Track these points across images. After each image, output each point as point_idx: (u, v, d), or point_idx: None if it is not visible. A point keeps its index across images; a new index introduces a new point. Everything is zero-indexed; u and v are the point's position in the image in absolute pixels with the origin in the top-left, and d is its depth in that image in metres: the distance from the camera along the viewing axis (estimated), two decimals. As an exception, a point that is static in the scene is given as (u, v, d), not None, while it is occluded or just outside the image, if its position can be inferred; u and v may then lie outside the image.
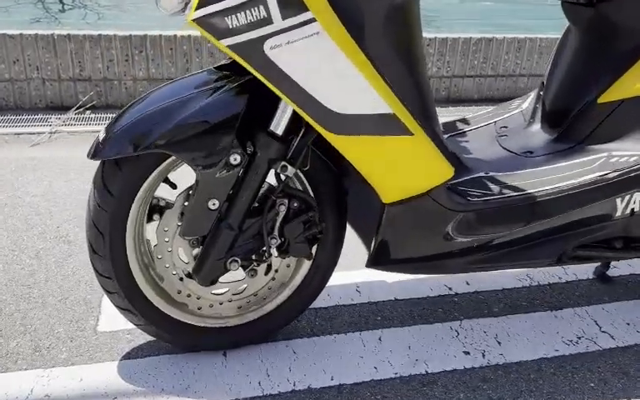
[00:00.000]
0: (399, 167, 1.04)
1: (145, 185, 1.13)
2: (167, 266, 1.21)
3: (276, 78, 0.95)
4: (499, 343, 1.42)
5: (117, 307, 1.23)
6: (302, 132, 1.07)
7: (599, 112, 1.21)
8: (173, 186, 1.23)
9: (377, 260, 1.15)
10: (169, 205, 1.20)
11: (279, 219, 1.14)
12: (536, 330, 1.47)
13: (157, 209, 1.21)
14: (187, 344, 1.31)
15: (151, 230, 1.24)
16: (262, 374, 1.28)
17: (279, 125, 1.06)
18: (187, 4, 0.99)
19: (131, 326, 1.41)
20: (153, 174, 1.12)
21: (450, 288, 1.61)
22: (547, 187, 1.13)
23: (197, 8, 0.92)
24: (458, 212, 1.09)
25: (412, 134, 1.02)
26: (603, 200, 1.13)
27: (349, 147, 1.00)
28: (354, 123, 0.98)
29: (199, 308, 1.26)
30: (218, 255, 1.13)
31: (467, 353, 1.38)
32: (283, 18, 0.92)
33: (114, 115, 1.17)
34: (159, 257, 1.20)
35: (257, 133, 1.06)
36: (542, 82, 1.40)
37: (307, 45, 0.92)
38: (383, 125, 0.99)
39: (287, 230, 1.14)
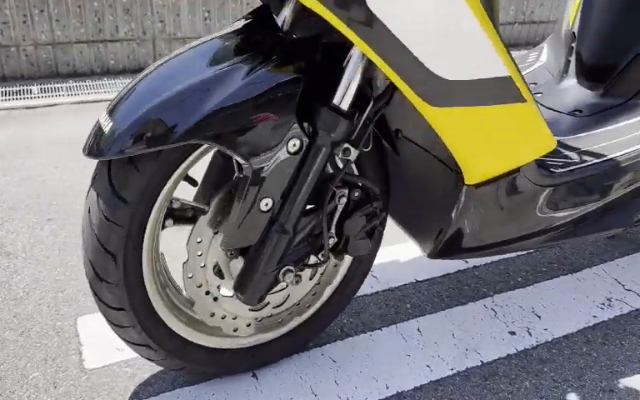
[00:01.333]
0: (503, 140, 0.87)
1: (167, 186, 0.86)
2: (200, 285, 0.95)
3: (373, 36, 0.73)
4: (539, 317, 1.33)
5: (129, 343, 0.96)
6: (369, 107, 0.86)
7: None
8: (194, 183, 0.97)
9: (449, 250, 0.99)
10: (196, 209, 0.94)
11: (337, 214, 0.93)
12: (566, 296, 1.40)
13: (173, 214, 0.95)
14: (216, 371, 1.07)
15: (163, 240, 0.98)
16: (308, 394, 1.09)
17: (344, 98, 0.84)
18: None
19: (126, 355, 1.14)
20: (178, 172, 0.86)
21: (466, 261, 1.50)
22: (624, 151, 1.02)
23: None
24: (547, 187, 0.95)
25: (526, 101, 0.85)
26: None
27: (448, 120, 0.81)
28: (463, 91, 0.79)
29: (235, 330, 1.02)
30: (270, 266, 0.90)
31: (513, 333, 1.27)
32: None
33: (116, 97, 0.87)
34: (190, 275, 0.94)
35: (317, 110, 0.83)
36: (573, 33, 1.29)
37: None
38: (498, 91, 0.82)
39: (347, 226, 0.94)
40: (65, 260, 1.44)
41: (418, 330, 1.27)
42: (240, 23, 0.93)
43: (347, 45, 0.82)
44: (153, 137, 0.79)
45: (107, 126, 0.82)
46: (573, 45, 1.29)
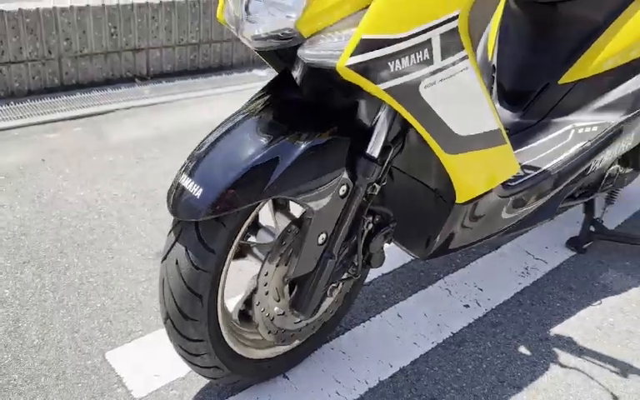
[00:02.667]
0: (489, 171, 1.17)
1: (240, 233, 1.04)
2: (263, 309, 1.14)
3: (419, 112, 0.98)
4: (481, 290, 1.69)
5: (201, 367, 1.13)
6: (391, 152, 1.11)
7: (560, 91, 1.50)
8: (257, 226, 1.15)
9: (439, 252, 1.28)
10: (261, 247, 1.13)
11: (364, 236, 1.18)
12: (495, 270, 1.78)
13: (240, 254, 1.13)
14: (260, 379, 1.27)
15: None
16: (333, 383, 1.33)
17: (376, 149, 1.08)
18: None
19: (167, 380, 1.29)
20: (248, 221, 1.04)
21: (417, 251, 1.82)
22: (553, 162, 1.38)
23: (354, 54, 0.88)
24: (507, 197, 1.28)
25: (506, 143, 1.16)
26: (588, 163, 1.44)
27: (456, 162, 1.09)
28: (468, 142, 1.07)
29: (283, 341, 1.22)
30: (322, 286, 1.12)
31: (467, 306, 1.62)
32: (442, 58, 0.95)
33: (189, 161, 1.03)
34: (258, 303, 1.12)
35: (356, 160, 1.07)
36: (493, 65, 1.64)
37: (459, 79, 0.97)
38: (490, 139, 1.11)
39: (372, 245, 1.19)
40: (63, 301, 1.51)
41: (398, 315, 1.56)
42: (268, 93, 1.12)
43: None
44: (240, 198, 0.96)
45: (192, 189, 0.97)
46: (494, 75, 1.64)
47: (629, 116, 1.48)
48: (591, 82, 1.48)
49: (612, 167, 1.62)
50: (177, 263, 1.02)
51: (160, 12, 2.95)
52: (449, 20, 0.95)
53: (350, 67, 0.89)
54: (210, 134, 1.06)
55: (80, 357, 1.34)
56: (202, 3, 3.09)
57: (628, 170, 1.73)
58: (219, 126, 1.07)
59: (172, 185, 1.03)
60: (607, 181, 1.64)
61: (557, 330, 1.55)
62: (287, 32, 0.95)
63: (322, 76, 1.02)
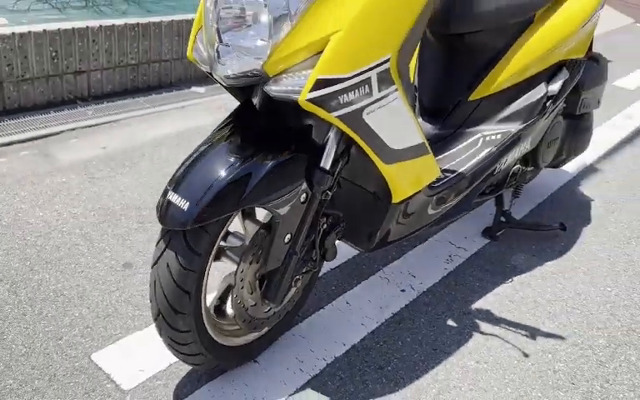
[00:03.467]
0: (418, 176, 1.44)
1: (219, 238, 1.25)
2: (239, 302, 1.35)
3: (363, 132, 1.22)
4: (414, 276, 1.97)
5: (186, 355, 1.32)
6: (340, 165, 1.35)
7: (470, 107, 1.81)
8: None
9: (380, 245, 1.54)
10: (233, 249, 1.33)
11: (320, 235, 1.42)
12: (424, 258, 2.06)
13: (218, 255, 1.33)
14: (235, 363, 1.47)
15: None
16: (297, 363, 1.56)
17: (327, 162, 1.32)
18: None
19: (151, 372, 1.47)
20: (225, 227, 1.26)
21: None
22: (467, 165, 1.68)
23: (312, 91, 1.12)
24: (431, 196, 1.56)
25: (430, 153, 1.43)
26: (495, 165, 1.75)
27: (390, 169, 1.34)
28: (400, 154, 1.33)
29: (255, 328, 1.44)
30: (289, 279, 1.35)
31: (404, 291, 1.90)
32: (379, 91, 1.20)
33: (175, 176, 1.22)
34: (235, 296, 1.33)
35: (313, 172, 1.30)
36: (415, 86, 1.93)
37: (392, 106, 1.23)
38: (417, 150, 1.37)
39: (327, 242, 1.43)
40: (42, 313, 1.65)
41: (347, 302, 1.81)
42: (235, 119, 1.33)
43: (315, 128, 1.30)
44: (220, 209, 1.18)
45: (179, 203, 1.17)
46: (416, 94, 1.93)
47: (526, 124, 1.81)
48: (494, 98, 1.79)
49: (515, 167, 1.95)
50: (167, 266, 1.21)
51: (100, 35, 3.06)
52: (383, 62, 1.20)
53: (309, 100, 1.12)
54: (190, 156, 1.26)
55: (67, 360, 1.49)
56: (140, 26, 3.22)
57: (529, 168, 2.07)
58: (197, 149, 1.28)
59: (161, 201, 1.22)
60: (511, 178, 1.97)
61: (477, 305, 1.86)
62: (255, 72, 1.17)
63: (282, 105, 1.25)
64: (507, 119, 1.80)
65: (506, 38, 1.79)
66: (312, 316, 1.73)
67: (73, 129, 2.81)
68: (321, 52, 1.14)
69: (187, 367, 1.50)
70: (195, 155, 1.25)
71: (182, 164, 1.25)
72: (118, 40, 3.14)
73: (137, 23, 3.21)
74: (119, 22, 3.15)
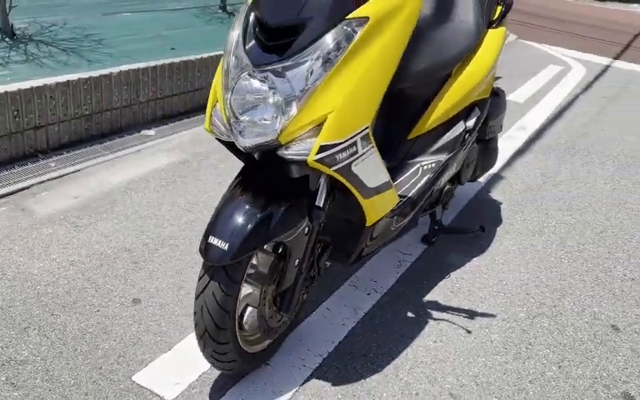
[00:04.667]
0: (386, 204, 1.89)
1: (247, 268, 1.64)
2: (262, 316, 1.74)
3: (351, 178, 1.66)
4: (375, 281, 2.43)
5: (223, 362, 1.68)
6: (329, 202, 1.78)
7: (409, 144, 2.30)
8: None
9: (356, 259, 1.98)
10: (257, 274, 1.72)
11: (317, 257, 1.84)
12: (382, 266, 2.53)
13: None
14: (256, 366, 1.85)
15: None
16: (299, 360, 1.96)
17: (321, 200, 1.74)
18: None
19: (186, 384, 1.82)
20: (252, 260, 1.65)
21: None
22: (414, 190, 2.15)
23: (317, 154, 1.54)
24: (392, 217, 2.02)
25: (392, 187, 1.89)
26: (432, 187, 2.25)
27: (368, 202, 1.79)
28: (374, 190, 1.78)
29: (269, 336, 1.82)
30: (299, 294, 1.75)
31: (370, 294, 2.35)
32: (362, 149, 1.64)
33: (212, 222, 1.59)
34: (259, 312, 1.71)
35: (311, 210, 1.72)
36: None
37: (368, 157, 1.68)
38: (385, 186, 1.83)
39: (321, 262, 1.85)
40: (77, 350, 1.93)
41: (327, 309, 2.23)
42: (245, 175, 1.72)
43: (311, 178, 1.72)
44: (250, 247, 1.56)
45: (219, 243, 1.55)
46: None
47: (452, 154, 2.33)
48: (426, 135, 2.29)
49: (446, 187, 2.48)
50: (213, 294, 1.58)
51: (57, 90, 3.28)
52: (364, 129, 1.65)
53: (315, 160, 1.54)
54: (220, 208, 1.63)
55: (113, 384, 1.80)
56: (92, 79, 3.47)
57: (454, 186, 2.61)
58: (225, 202, 1.64)
59: (204, 244, 1.57)
60: (444, 196, 2.49)
61: (426, 297, 2.35)
62: (269, 142, 1.57)
63: (285, 163, 1.65)
64: (438, 151, 2.31)
65: (432, 89, 2.30)
66: (303, 323, 2.13)
67: (42, 182, 3.02)
68: (320, 125, 1.56)
69: (213, 377, 1.85)
70: (224, 207, 1.62)
71: (215, 213, 1.62)
72: (73, 94, 3.38)
73: (90, 77, 3.46)
74: (73, 77, 3.39)
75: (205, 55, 4.23)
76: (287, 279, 1.72)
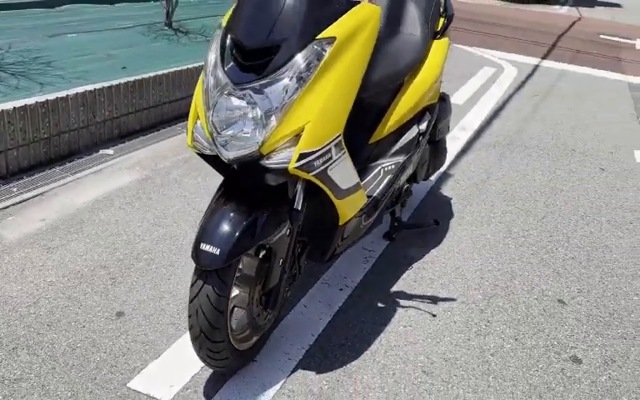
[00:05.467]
0: (355, 205, 2.07)
1: (237, 271, 1.78)
2: (251, 314, 1.87)
3: (327, 182, 1.82)
4: (345, 277, 2.61)
5: (217, 360, 1.81)
6: (305, 205, 1.94)
7: (370, 148, 2.50)
8: None
9: (330, 257, 2.15)
10: (243, 277, 1.85)
11: (297, 256, 2.00)
12: (350, 263, 2.71)
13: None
14: (245, 362, 1.98)
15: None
16: (284, 354, 2.10)
17: (299, 204, 1.90)
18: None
19: (180, 385, 1.94)
20: (240, 261, 1.79)
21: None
22: (378, 190, 2.34)
23: (298, 161, 1.70)
24: (361, 216, 2.20)
25: (361, 188, 2.07)
26: (393, 186, 2.45)
27: (341, 202, 1.96)
28: (347, 191, 1.96)
29: (257, 332, 1.96)
30: (284, 292, 1.91)
31: (342, 289, 2.53)
32: (336, 154, 1.81)
33: (202, 228, 1.72)
34: (248, 311, 1.85)
35: (290, 213, 1.87)
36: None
37: (341, 162, 1.85)
38: (356, 187, 2.00)
39: (301, 260, 2.01)
40: (68, 364, 2.00)
41: (305, 306, 2.39)
42: (228, 184, 1.85)
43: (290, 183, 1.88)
44: (240, 250, 1.70)
45: (211, 249, 1.68)
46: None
47: (409, 155, 2.54)
48: (386, 140, 2.49)
49: (405, 186, 2.69)
50: (207, 296, 1.71)
51: (14, 116, 3.30)
52: (337, 136, 1.83)
53: (296, 168, 1.71)
54: (207, 216, 1.76)
55: (111, 392, 1.89)
56: (49, 102, 3.50)
57: (411, 185, 2.83)
58: (212, 210, 1.77)
59: (196, 250, 1.70)
60: (403, 194, 2.70)
61: (393, 288, 2.54)
62: (252, 153, 1.72)
63: (264, 171, 1.79)
64: (396, 153, 2.52)
65: (388, 97, 2.51)
66: (284, 320, 2.28)
67: (6, 207, 3.03)
68: (297, 135, 1.72)
69: (204, 377, 1.97)
70: (211, 216, 1.76)
71: (204, 222, 1.75)
72: (31, 117, 3.40)
73: (47, 100, 3.48)
74: (30, 101, 3.40)
75: (159, 72, 4.30)
76: (273, 278, 1.87)
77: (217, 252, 1.66)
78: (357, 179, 2.02)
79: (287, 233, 1.86)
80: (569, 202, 3.57)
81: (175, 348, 2.08)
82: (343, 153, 1.87)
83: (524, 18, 12.08)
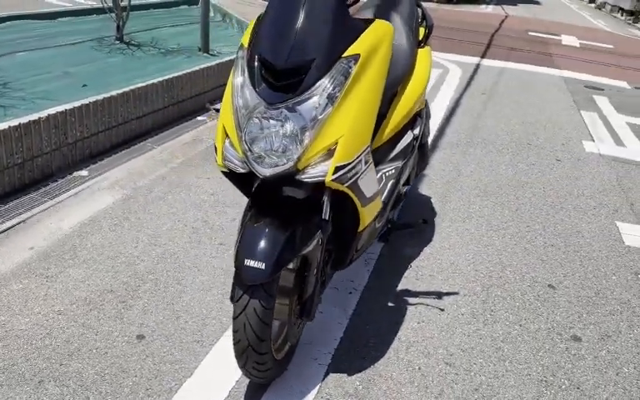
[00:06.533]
0: (374, 211, 2.17)
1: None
2: (290, 324, 1.94)
3: (356, 191, 1.91)
4: (352, 281, 2.71)
5: (262, 371, 1.86)
6: (331, 214, 2.02)
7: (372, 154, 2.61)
8: None
9: (350, 263, 2.24)
10: (282, 289, 1.91)
11: (324, 264, 2.08)
12: (354, 268, 2.81)
13: None
14: (280, 371, 2.04)
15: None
16: (314, 361, 2.18)
17: (327, 214, 1.98)
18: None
19: (222, 397, 1.98)
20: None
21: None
22: (385, 193, 2.45)
23: (334, 174, 1.78)
24: (375, 219, 2.31)
25: (379, 195, 2.17)
26: (396, 189, 2.57)
27: (365, 209, 2.05)
28: (370, 198, 2.05)
29: (293, 340, 2.03)
30: (318, 299, 1.98)
31: (351, 292, 2.62)
32: (364, 165, 1.90)
33: (243, 246, 1.76)
34: (288, 321, 1.91)
35: (320, 222, 1.95)
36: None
37: (368, 171, 1.94)
38: (376, 195, 2.11)
39: (327, 268, 2.09)
40: (102, 391, 1.99)
41: (321, 312, 2.46)
42: (257, 201, 1.91)
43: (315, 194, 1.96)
44: (283, 263, 1.76)
45: (256, 264, 1.73)
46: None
47: (406, 159, 2.68)
48: (385, 146, 2.60)
49: (403, 189, 2.82)
50: (254, 310, 1.76)
51: (-12, 142, 3.17)
52: (366, 149, 1.92)
53: (332, 180, 1.79)
54: (244, 234, 1.80)
55: (153, 414, 1.90)
56: (22, 125, 3.39)
57: (406, 187, 2.96)
58: (247, 226, 1.82)
59: (241, 267, 1.74)
60: (402, 196, 2.83)
61: (399, 287, 2.66)
62: (288, 169, 1.79)
63: (298, 185, 1.87)
64: (395, 158, 2.64)
65: (386, 105, 2.63)
66: (306, 327, 2.35)
67: (-11, 238, 2.92)
68: (330, 150, 1.80)
69: (242, 391, 2.01)
70: (249, 233, 1.80)
71: (243, 239, 1.80)
72: (5, 143, 3.28)
73: (20, 124, 3.38)
74: (4, 125, 3.29)
75: (126, 89, 4.24)
76: (309, 287, 1.94)
77: (263, 267, 1.72)
78: (378, 186, 2.13)
79: (320, 243, 1.94)
80: (536, 193, 3.82)
81: (205, 365, 2.11)
82: (370, 163, 1.97)
83: (456, 19, 12.62)
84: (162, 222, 3.13)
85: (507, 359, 2.23)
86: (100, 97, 4.00)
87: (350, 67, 1.82)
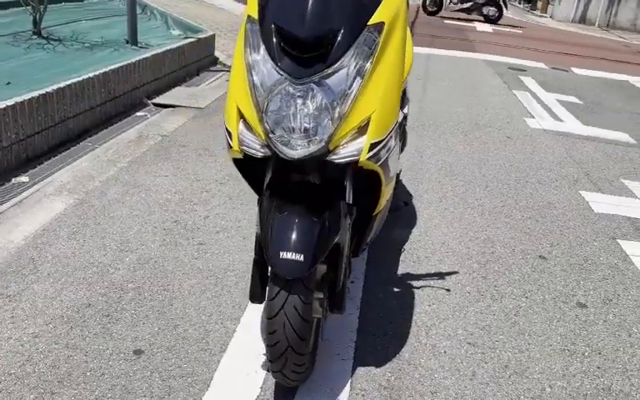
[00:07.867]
0: (390, 190, 2.05)
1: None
2: (322, 318, 1.78)
3: (385, 170, 1.78)
4: (352, 271, 2.59)
5: (299, 373, 1.69)
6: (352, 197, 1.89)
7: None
8: None
9: (362, 250, 2.12)
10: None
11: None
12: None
13: None
14: (312, 371, 1.88)
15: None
16: (337, 356, 2.04)
17: (350, 197, 1.84)
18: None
19: (255, 393, 1.80)
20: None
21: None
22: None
23: (369, 151, 1.64)
24: (387, 202, 2.20)
25: (394, 176, 2.06)
26: (395, 168, 2.47)
27: (385, 188, 1.92)
28: (391, 177, 1.93)
29: (321, 337, 1.87)
30: (346, 287, 1.84)
31: (353, 282, 2.50)
32: (393, 142, 1.78)
33: (276, 243, 1.59)
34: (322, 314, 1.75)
35: (344, 208, 1.81)
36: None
37: (395, 149, 1.82)
38: (395, 172, 1.99)
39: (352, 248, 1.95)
40: None
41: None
42: (275, 190, 1.73)
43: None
44: (321, 254, 1.60)
45: (293, 257, 1.57)
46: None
47: (397, 139, 2.59)
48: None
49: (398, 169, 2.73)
50: (294, 307, 1.59)
51: None
52: (396, 124, 1.80)
53: (367, 158, 1.65)
54: (274, 226, 1.62)
55: (178, 436, 1.68)
56: (-49, 129, 2.96)
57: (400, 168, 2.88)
58: (273, 220, 1.63)
59: (277, 261, 1.57)
60: (397, 177, 2.74)
61: (399, 271, 2.58)
62: (320, 149, 1.63)
63: (325, 167, 1.71)
64: (391, 137, 2.55)
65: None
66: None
67: None
68: (361, 127, 1.66)
69: (269, 396, 1.84)
70: (280, 225, 1.61)
71: (273, 231, 1.61)
72: None
73: (-53, 127, 2.95)
74: None
75: (62, 85, 3.86)
76: (340, 277, 1.79)
77: (302, 258, 1.55)
78: (397, 168, 2.02)
79: (348, 227, 1.80)
80: (499, 169, 3.89)
81: (221, 375, 1.91)
82: (397, 140, 1.85)
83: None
84: (128, 225, 2.84)
85: (525, 332, 2.21)
86: (35, 94, 3.60)
87: (376, 37, 1.69)
